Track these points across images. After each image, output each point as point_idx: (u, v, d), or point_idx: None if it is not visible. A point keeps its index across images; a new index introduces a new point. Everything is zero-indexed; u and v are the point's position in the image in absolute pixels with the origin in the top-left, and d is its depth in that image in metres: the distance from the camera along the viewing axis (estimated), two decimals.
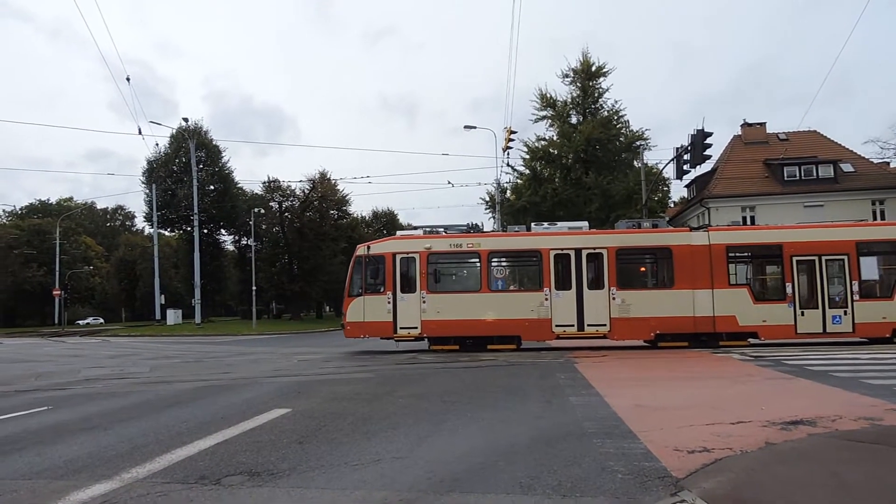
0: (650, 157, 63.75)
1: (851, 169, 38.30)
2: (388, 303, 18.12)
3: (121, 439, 6.68)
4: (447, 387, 10.47)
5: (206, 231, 56.20)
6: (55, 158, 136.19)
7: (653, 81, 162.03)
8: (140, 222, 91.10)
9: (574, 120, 37.68)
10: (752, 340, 17.35)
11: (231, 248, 67.26)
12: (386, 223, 74.20)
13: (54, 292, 55.36)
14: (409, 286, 18.14)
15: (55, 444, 6.59)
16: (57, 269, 57.57)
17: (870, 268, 17.29)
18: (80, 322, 72.19)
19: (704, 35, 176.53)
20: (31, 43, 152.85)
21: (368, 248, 18.75)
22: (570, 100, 37.80)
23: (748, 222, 36.58)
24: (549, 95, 37.68)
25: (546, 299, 17.62)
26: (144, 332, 44.43)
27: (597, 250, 17.69)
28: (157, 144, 56.30)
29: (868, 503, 4.07)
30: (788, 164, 38.43)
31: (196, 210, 48.14)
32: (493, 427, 6.96)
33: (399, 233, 20.62)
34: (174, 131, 55.83)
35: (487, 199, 39.76)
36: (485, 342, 18.02)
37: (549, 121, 38.05)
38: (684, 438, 5.98)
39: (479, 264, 18.11)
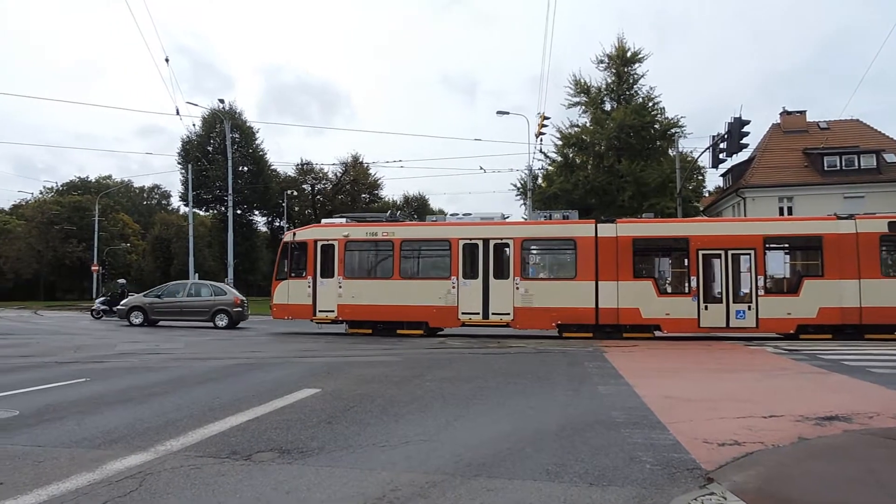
0: (687, 145, 62.72)
1: (895, 159, 37.16)
2: (309, 287, 19.09)
3: (155, 413, 6.84)
4: (475, 372, 10.50)
5: (239, 212, 56.89)
6: (105, 134, 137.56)
7: (726, 56, 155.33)
8: (175, 201, 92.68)
9: (608, 107, 37.14)
10: (657, 333, 17.23)
11: (264, 229, 68.11)
12: (417, 208, 74.31)
13: (93, 268, 56.54)
14: (328, 271, 19.02)
15: (93, 414, 6.78)
16: (95, 245, 58.75)
17: (776, 263, 17.08)
18: None
19: (784, 7, 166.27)
20: (90, 13, 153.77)
21: (294, 234, 20.09)
22: (604, 86, 37.26)
23: (785, 213, 35.80)
24: (583, 81, 37.17)
25: (454, 287, 18.13)
26: None
27: (503, 241, 18.12)
28: (193, 125, 57.03)
29: None
30: (829, 153, 37.40)
31: (230, 191, 48.71)
32: (521, 413, 6.96)
33: (324, 220, 21.51)
34: (207, 113, 56.42)
35: (519, 185, 39.56)
36: (395, 327, 18.61)
37: (583, 107, 37.60)
38: (714, 431, 5.91)
39: (391, 252, 18.78)
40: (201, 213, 65.84)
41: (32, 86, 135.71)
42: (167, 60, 54.66)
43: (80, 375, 9.88)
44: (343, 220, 20.34)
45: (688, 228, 17.99)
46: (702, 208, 41.66)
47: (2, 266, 67.00)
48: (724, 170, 40.64)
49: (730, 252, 16.88)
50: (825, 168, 37.24)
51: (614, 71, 36.71)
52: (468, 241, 18.24)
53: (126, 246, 75.36)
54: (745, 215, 36.21)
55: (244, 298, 25.48)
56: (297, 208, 59.52)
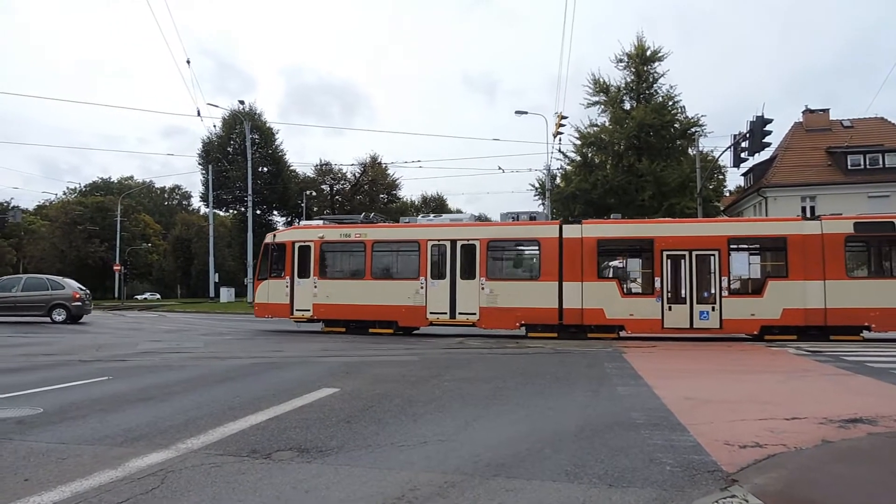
0: (708, 144, 62.13)
1: None
2: (287, 287, 19.76)
3: (176, 411, 6.92)
4: (493, 372, 10.48)
5: (258, 212, 57.30)
6: (129, 135, 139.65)
7: (748, 55, 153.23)
8: (196, 202, 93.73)
9: (627, 106, 36.86)
10: (622, 333, 17.16)
11: (283, 229, 68.56)
12: (435, 208, 74.31)
13: (115, 267, 57.38)
14: (304, 272, 19.66)
15: (115, 412, 6.86)
16: (117, 245, 59.69)
17: (740, 264, 16.97)
18: (139, 297, 74.87)
19: (809, 5, 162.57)
20: (117, 15, 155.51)
21: (274, 236, 20.77)
22: (623, 85, 37.00)
23: (808, 213, 35.29)
24: (602, 80, 36.95)
25: (422, 287, 18.50)
26: (199, 308, 45.71)
27: (470, 241, 18.33)
28: (214, 126, 57.61)
29: None
30: (853, 152, 36.86)
31: (250, 191, 49.13)
32: (540, 414, 6.94)
33: (302, 222, 22.29)
34: (226, 114, 56.89)
35: (538, 185, 39.45)
36: (367, 326, 19.08)
37: (602, 106, 37.38)
38: (736, 433, 5.85)
39: (364, 253, 19.23)
40: (221, 213, 66.57)
41: (56, 88, 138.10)
42: (188, 62, 55.52)
43: (102, 374, 10.01)
44: (321, 222, 20.93)
45: (652, 229, 17.91)
46: (722, 208, 41.28)
47: (26, 266, 68.30)
48: (746, 169, 40.31)
49: (694, 253, 16.83)
50: (849, 167, 36.72)
51: (634, 70, 36.43)
52: (436, 243, 18.59)
53: (147, 246, 76.40)
54: (766, 215, 35.80)
55: (85, 292, 25.27)
56: (315, 209, 59.78)
